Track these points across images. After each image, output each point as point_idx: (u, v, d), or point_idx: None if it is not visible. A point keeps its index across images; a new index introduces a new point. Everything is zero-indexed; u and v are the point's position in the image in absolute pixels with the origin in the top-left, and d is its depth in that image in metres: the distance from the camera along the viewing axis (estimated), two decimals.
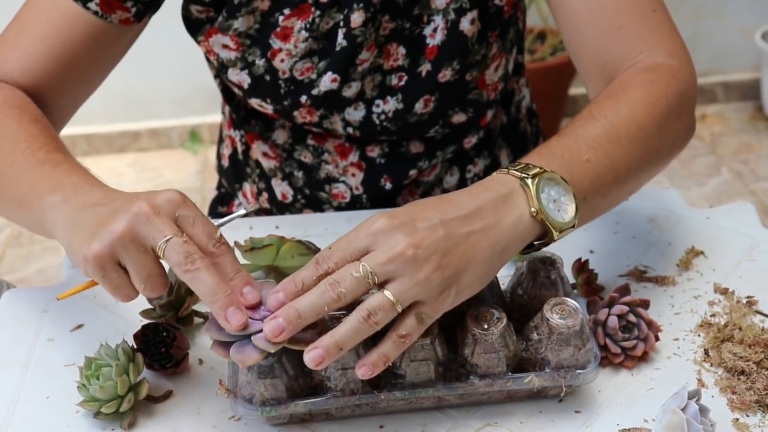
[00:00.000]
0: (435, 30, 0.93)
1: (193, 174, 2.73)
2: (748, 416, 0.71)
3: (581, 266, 0.84)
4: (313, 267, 0.65)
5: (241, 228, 0.96)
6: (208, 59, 1.04)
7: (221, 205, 1.19)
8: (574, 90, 2.76)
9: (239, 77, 0.96)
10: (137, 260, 0.65)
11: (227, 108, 1.12)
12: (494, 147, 1.10)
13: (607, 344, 0.75)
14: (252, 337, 0.66)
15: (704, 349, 0.77)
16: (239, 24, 0.92)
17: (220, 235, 0.67)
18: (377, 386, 0.69)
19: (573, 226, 0.70)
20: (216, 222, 0.70)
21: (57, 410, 0.74)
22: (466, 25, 0.93)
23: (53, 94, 0.89)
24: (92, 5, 0.86)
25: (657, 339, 0.77)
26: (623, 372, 0.75)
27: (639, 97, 0.79)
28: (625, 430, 0.69)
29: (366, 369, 0.65)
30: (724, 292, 0.84)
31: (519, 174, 0.69)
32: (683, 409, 0.66)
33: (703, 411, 0.67)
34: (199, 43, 0.96)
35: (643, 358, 0.76)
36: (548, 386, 0.70)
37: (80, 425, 0.72)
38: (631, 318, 0.76)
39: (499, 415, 0.72)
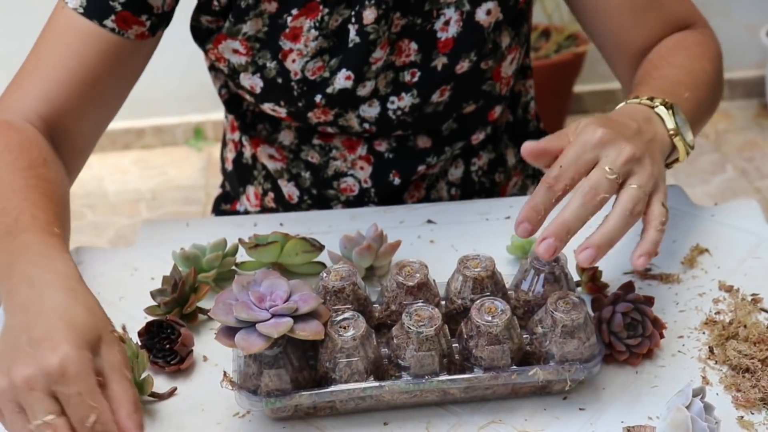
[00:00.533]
0: (447, 23, 0.93)
1: (197, 171, 2.73)
2: (752, 414, 0.71)
3: None
4: (546, 191, 0.70)
5: (245, 225, 0.96)
6: (214, 69, 1.04)
7: (225, 202, 1.19)
8: (579, 87, 2.76)
9: (251, 82, 0.96)
10: (13, 420, 0.62)
11: (230, 115, 1.12)
12: (500, 143, 1.10)
13: (611, 342, 0.75)
14: (257, 325, 0.66)
15: (709, 347, 0.77)
16: (248, 28, 0.92)
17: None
18: (381, 379, 0.70)
19: (692, 149, 0.81)
20: None
21: None
22: (481, 15, 0.93)
23: (75, 120, 0.88)
24: (108, 23, 0.86)
25: (662, 336, 0.77)
26: (628, 369, 0.75)
27: (701, 52, 0.92)
28: (630, 427, 0.69)
29: (591, 252, 0.69)
30: (729, 289, 0.84)
31: (649, 103, 0.79)
32: (688, 407, 0.66)
33: (707, 409, 0.66)
34: (207, 52, 0.97)
35: (648, 355, 0.76)
36: (553, 380, 0.71)
37: None
38: (636, 316, 0.75)
39: (504, 412, 0.72)
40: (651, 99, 0.79)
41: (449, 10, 0.93)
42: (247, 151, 1.10)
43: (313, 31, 0.91)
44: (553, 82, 2.50)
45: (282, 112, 0.98)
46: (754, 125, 2.76)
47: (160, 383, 0.76)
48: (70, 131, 0.88)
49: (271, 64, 0.94)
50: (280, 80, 0.94)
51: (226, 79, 1.05)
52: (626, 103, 0.81)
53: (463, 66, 0.95)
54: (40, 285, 0.67)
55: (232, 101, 1.07)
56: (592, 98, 2.88)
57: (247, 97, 1.00)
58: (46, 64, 0.88)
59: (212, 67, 1.05)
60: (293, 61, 0.93)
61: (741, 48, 2.80)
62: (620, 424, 0.70)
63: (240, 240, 0.87)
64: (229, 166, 1.15)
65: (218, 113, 2.79)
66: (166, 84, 2.75)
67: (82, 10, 0.86)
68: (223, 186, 1.21)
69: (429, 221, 0.96)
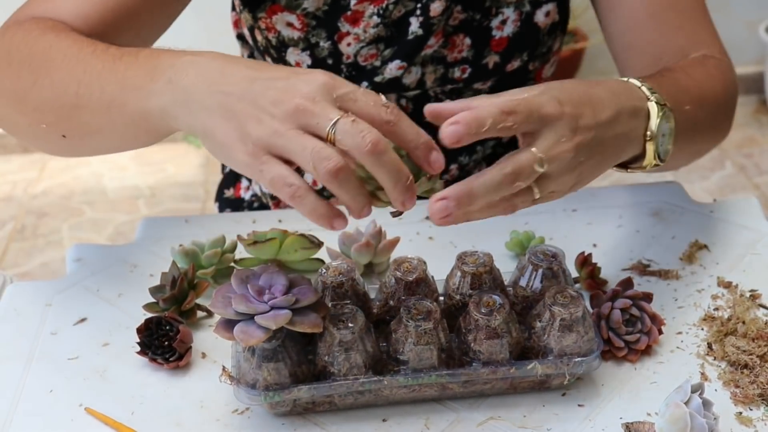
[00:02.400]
0: (503, 22, 0.94)
1: (196, 168, 2.73)
2: (751, 410, 0.71)
3: (584, 260, 0.84)
4: (501, 114, 0.62)
5: (243, 222, 0.96)
6: (243, 39, 1.00)
7: (227, 188, 1.19)
8: None
9: (298, 58, 0.95)
10: (304, 144, 0.58)
11: None
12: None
13: (610, 338, 0.75)
14: (256, 317, 0.66)
15: (707, 343, 0.77)
16: (308, 4, 0.91)
17: (387, 101, 0.61)
18: (380, 373, 0.70)
19: (662, 163, 0.74)
20: None
21: (60, 404, 0.74)
22: (540, 17, 0.94)
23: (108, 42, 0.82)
24: None
25: (660, 333, 0.77)
26: (626, 365, 0.75)
27: (718, 75, 0.87)
28: (629, 423, 0.69)
29: (444, 204, 0.61)
30: (728, 285, 0.84)
31: (648, 93, 0.72)
32: (686, 403, 0.66)
33: (706, 405, 0.67)
34: (257, 19, 0.94)
35: (647, 351, 0.76)
36: (551, 375, 0.71)
37: (84, 419, 0.73)
38: (635, 312, 0.75)
39: (502, 408, 0.72)
40: (651, 90, 0.74)
41: (508, 9, 0.93)
42: None
43: (375, 17, 0.91)
44: (553, 78, 2.50)
45: None
46: (753, 121, 2.76)
47: (159, 380, 0.76)
48: None
49: (325, 44, 0.93)
50: (330, 61, 0.94)
51: (254, 51, 1.02)
52: (628, 81, 0.74)
53: (513, 65, 0.96)
54: (196, 54, 0.65)
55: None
56: None
57: None
58: None
59: (240, 36, 1.03)
60: (348, 44, 0.92)
61: (740, 44, 2.80)
62: (619, 420, 0.70)
63: (239, 237, 0.87)
64: None
65: None
66: None
67: None
68: (223, 170, 1.20)
69: (427, 218, 0.96)
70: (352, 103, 0.60)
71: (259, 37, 0.97)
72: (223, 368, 0.69)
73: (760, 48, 2.75)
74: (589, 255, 0.84)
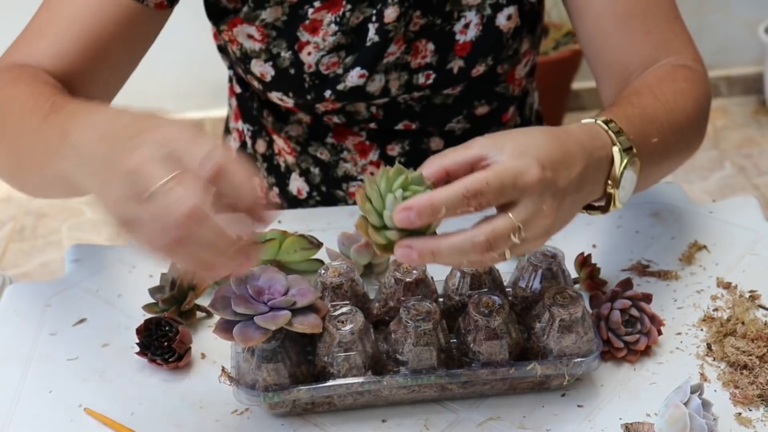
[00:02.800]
0: (466, 26, 0.93)
1: None
2: (750, 410, 0.71)
3: (584, 260, 0.84)
4: (461, 199, 0.60)
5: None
6: (224, 51, 1.03)
7: None
8: (577, 84, 2.75)
9: (262, 69, 0.95)
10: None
11: (233, 101, 1.12)
12: None
13: (609, 338, 0.75)
14: (255, 318, 0.66)
15: (707, 344, 0.77)
16: (267, 15, 0.91)
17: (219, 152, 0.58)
18: (380, 374, 0.70)
19: (622, 206, 0.72)
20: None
21: (60, 404, 0.74)
22: (502, 20, 0.93)
23: (85, 82, 0.86)
24: None
25: (660, 333, 0.77)
26: (626, 366, 0.75)
27: (688, 89, 0.83)
28: (628, 424, 0.69)
29: (406, 252, 0.61)
30: (727, 286, 0.84)
31: (614, 138, 0.70)
32: (686, 404, 0.66)
33: (705, 405, 0.67)
34: (221, 32, 0.95)
35: (646, 352, 0.76)
36: (551, 375, 0.71)
37: (83, 419, 0.73)
38: (634, 312, 0.75)
39: (502, 409, 0.72)
40: (620, 132, 0.70)
41: (470, 13, 0.93)
42: (250, 143, 1.10)
43: (333, 25, 0.91)
44: (552, 79, 2.50)
45: (289, 102, 0.98)
46: (752, 122, 2.76)
47: (158, 381, 0.76)
48: (79, 92, 0.84)
49: (286, 54, 0.93)
50: (292, 71, 0.94)
51: (234, 64, 1.04)
52: (595, 123, 0.71)
53: (479, 70, 0.95)
54: (103, 117, 0.64)
55: (241, 82, 1.06)
56: (590, 95, 2.88)
57: (255, 84, 0.99)
58: (59, 21, 0.85)
59: (221, 49, 1.04)
60: (309, 53, 0.92)
61: (739, 44, 2.80)
62: (618, 420, 0.70)
63: (238, 237, 0.87)
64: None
65: (217, 110, 2.78)
66: (165, 81, 2.75)
67: None
68: None
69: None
70: (180, 162, 0.56)
71: (229, 49, 0.98)
72: (223, 369, 0.69)
73: (760, 48, 2.75)
74: (589, 256, 0.84)
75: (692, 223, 0.94)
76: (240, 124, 1.11)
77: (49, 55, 0.84)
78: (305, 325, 0.67)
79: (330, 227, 0.94)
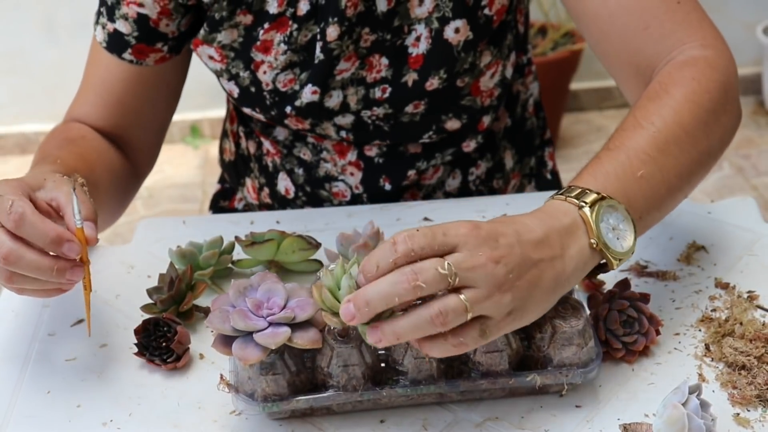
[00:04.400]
0: (418, 39, 0.92)
1: (194, 169, 2.73)
2: (749, 411, 0.71)
3: None
4: (389, 248, 0.61)
5: (241, 223, 0.96)
6: None
7: (223, 199, 1.19)
8: (575, 85, 2.76)
9: (229, 87, 0.98)
10: None
11: (229, 105, 1.12)
12: (498, 149, 1.08)
13: (607, 339, 0.75)
14: (254, 335, 0.66)
15: (705, 344, 0.77)
16: (222, 37, 0.92)
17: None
18: (379, 383, 0.69)
19: (632, 252, 0.70)
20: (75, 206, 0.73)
21: (58, 405, 0.74)
22: (450, 33, 0.92)
23: (120, 135, 0.98)
24: (126, 56, 0.94)
25: (658, 334, 0.77)
26: (624, 367, 0.75)
27: (682, 97, 0.78)
28: (626, 425, 0.69)
29: (379, 338, 0.62)
30: (725, 286, 0.84)
31: (576, 202, 0.68)
32: (684, 404, 0.66)
33: (704, 406, 0.67)
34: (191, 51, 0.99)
35: (644, 352, 0.76)
36: (550, 383, 0.71)
37: (81, 420, 0.72)
38: (632, 313, 0.75)
39: (500, 410, 0.72)
40: (582, 193, 0.68)
41: (420, 26, 0.92)
42: (244, 143, 1.10)
43: (282, 45, 0.92)
44: (550, 79, 2.50)
45: (261, 117, 1.00)
46: (750, 122, 2.76)
47: (157, 381, 0.76)
48: (130, 140, 1.00)
49: (245, 74, 0.95)
50: (253, 89, 0.96)
51: None
52: (552, 198, 0.70)
53: (433, 83, 0.94)
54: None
55: None
56: (589, 96, 2.88)
57: (230, 97, 1.02)
58: (87, 89, 0.99)
59: None
60: (264, 72, 0.94)
61: (737, 45, 2.78)
62: (617, 421, 0.70)
63: (236, 238, 0.87)
64: (230, 157, 1.15)
65: (215, 111, 2.78)
66: None
67: (105, 45, 0.94)
68: (221, 181, 1.21)
69: (426, 219, 0.96)
70: None
71: None
72: (221, 377, 0.69)
73: (758, 49, 2.75)
74: None
75: (690, 223, 0.94)
76: (235, 126, 1.12)
77: (90, 117, 0.97)
78: (305, 340, 0.67)
79: (328, 227, 0.94)
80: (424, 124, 0.99)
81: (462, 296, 0.61)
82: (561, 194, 0.70)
